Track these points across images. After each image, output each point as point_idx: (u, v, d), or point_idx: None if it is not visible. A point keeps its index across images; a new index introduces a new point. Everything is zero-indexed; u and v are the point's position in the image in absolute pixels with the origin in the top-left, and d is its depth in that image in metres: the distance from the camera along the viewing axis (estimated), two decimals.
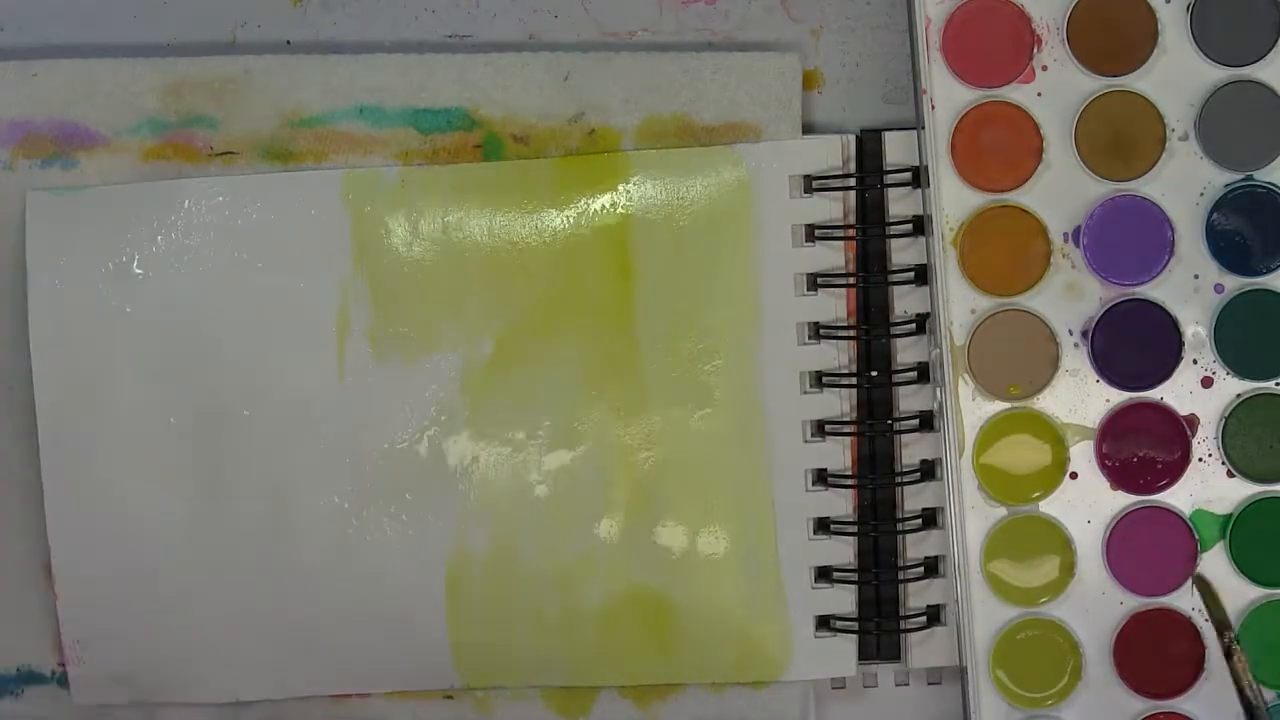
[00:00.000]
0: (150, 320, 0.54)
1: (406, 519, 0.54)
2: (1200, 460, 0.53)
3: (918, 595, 0.55)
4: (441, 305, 0.54)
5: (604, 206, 0.54)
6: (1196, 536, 0.53)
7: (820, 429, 0.55)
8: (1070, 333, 0.54)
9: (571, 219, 0.54)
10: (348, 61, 0.54)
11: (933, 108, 0.54)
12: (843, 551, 0.55)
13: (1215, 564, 0.53)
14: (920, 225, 0.55)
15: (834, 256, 0.55)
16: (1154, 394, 0.53)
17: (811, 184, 0.55)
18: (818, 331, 0.55)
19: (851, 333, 0.55)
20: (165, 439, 0.54)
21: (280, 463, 0.54)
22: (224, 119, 0.54)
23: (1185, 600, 0.53)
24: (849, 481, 0.54)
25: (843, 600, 0.54)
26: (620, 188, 0.54)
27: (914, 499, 0.55)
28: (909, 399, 0.55)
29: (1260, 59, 0.53)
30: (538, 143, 0.54)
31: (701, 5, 0.55)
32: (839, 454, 0.55)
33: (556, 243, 0.54)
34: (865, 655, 0.55)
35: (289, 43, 0.55)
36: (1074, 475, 0.53)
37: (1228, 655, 0.50)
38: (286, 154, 0.54)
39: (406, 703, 0.55)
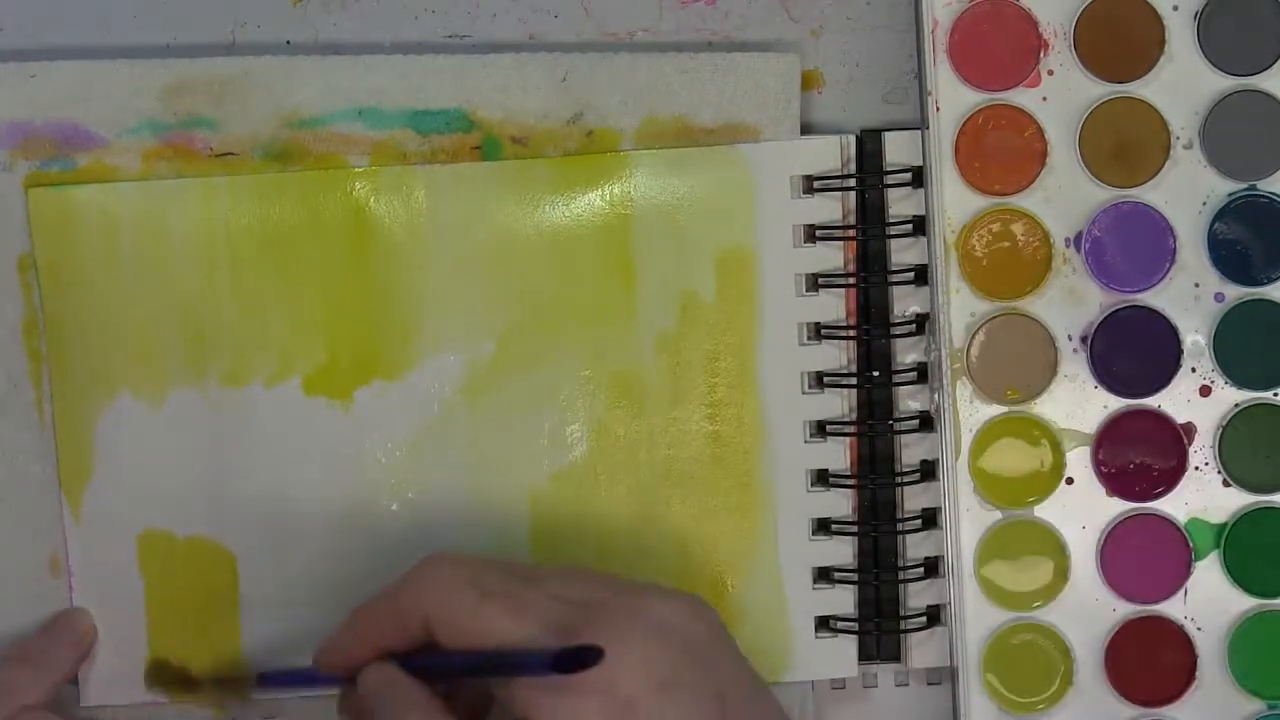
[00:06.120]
0: (155, 319, 0.54)
1: (409, 518, 0.55)
2: (1197, 469, 0.53)
3: (917, 596, 0.55)
4: (443, 304, 0.54)
5: (605, 206, 0.54)
6: (1191, 545, 0.53)
7: (820, 429, 0.55)
8: (1069, 338, 0.54)
9: (573, 219, 0.54)
10: (347, 63, 0.54)
11: (937, 109, 0.53)
12: (843, 552, 0.55)
13: (1209, 573, 0.53)
14: (920, 226, 0.54)
15: (834, 257, 0.55)
16: (1152, 401, 0.53)
17: (812, 184, 0.54)
18: (818, 332, 0.55)
19: (851, 333, 0.55)
20: (173, 437, 0.54)
21: (284, 462, 0.54)
22: (223, 120, 0.54)
23: (1178, 608, 0.54)
24: (849, 482, 0.55)
25: (843, 601, 0.55)
26: (621, 188, 0.54)
27: (914, 499, 0.55)
28: (909, 399, 0.55)
29: (1267, 68, 0.52)
30: (536, 144, 0.54)
31: (701, 5, 0.55)
32: (839, 454, 0.55)
33: (558, 242, 0.54)
34: (865, 655, 0.55)
35: (289, 43, 0.55)
36: (1070, 480, 0.54)
37: None
38: (286, 155, 0.54)
39: None
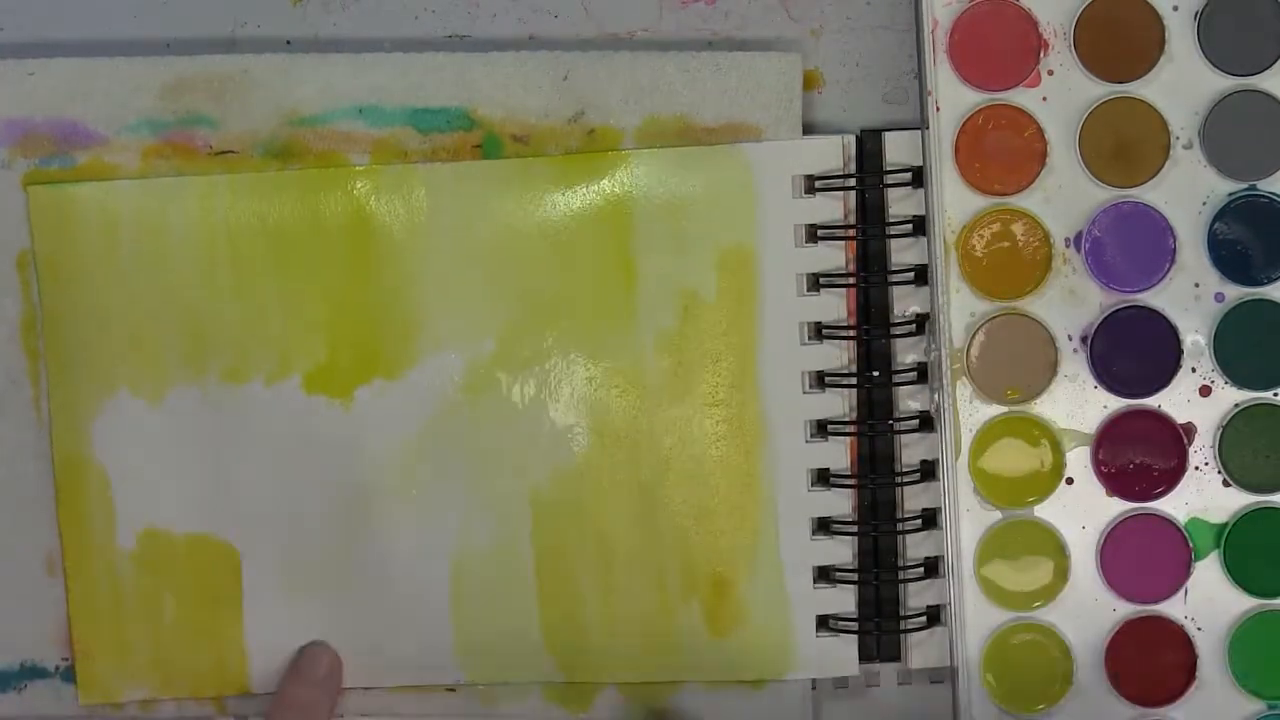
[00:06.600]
0: (155, 317, 0.54)
1: (412, 515, 0.55)
2: (1196, 469, 0.53)
3: (918, 595, 0.55)
4: (444, 303, 0.54)
5: (606, 205, 0.54)
6: (1191, 545, 0.53)
7: (821, 429, 0.55)
8: (1070, 338, 0.54)
9: (574, 217, 0.54)
10: (347, 61, 0.54)
11: (937, 109, 0.53)
12: (843, 551, 0.55)
13: (1209, 573, 0.53)
14: (920, 226, 0.54)
15: (835, 256, 0.55)
16: (1152, 401, 0.53)
17: (814, 184, 0.54)
18: (819, 331, 0.55)
19: (852, 333, 0.55)
20: (173, 435, 0.54)
21: (286, 459, 0.54)
22: (223, 118, 0.54)
23: (1178, 608, 0.54)
24: (849, 482, 0.55)
25: (843, 600, 0.55)
26: (622, 187, 0.54)
27: (914, 499, 0.55)
28: (909, 399, 0.55)
29: (1267, 68, 0.53)
30: (537, 142, 0.54)
31: (701, 5, 0.55)
32: (839, 454, 0.55)
33: (558, 241, 0.54)
34: (866, 655, 0.55)
35: (288, 42, 0.55)
36: (1070, 481, 0.54)
37: None
38: (286, 153, 0.54)
39: (410, 696, 0.56)
